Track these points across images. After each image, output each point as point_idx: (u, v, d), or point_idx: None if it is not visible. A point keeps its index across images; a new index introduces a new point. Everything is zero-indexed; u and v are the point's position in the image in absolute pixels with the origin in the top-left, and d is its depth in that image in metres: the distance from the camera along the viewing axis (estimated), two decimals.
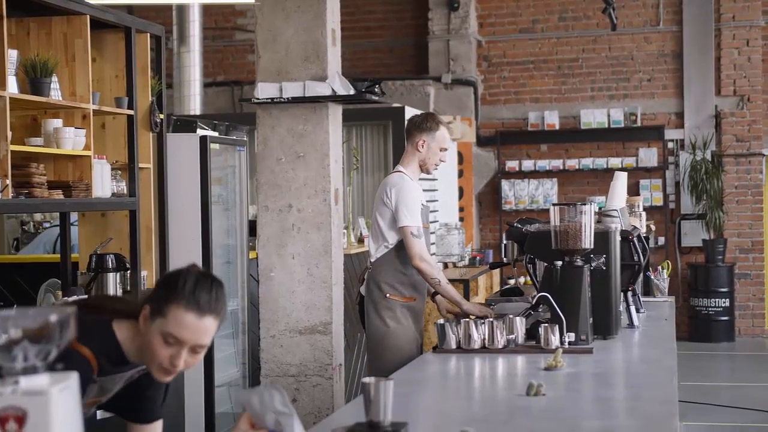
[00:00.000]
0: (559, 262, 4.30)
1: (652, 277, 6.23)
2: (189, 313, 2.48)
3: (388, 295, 5.06)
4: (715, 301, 11.84)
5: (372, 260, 5.15)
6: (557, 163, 12.43)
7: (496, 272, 10.67)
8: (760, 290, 12.23)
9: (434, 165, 5.18)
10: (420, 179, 5.12)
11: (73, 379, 1.82)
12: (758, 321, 12.23)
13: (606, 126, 12.33)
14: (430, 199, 9.94)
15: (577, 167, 12.38)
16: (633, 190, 11.91)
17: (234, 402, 6.60)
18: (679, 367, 8.49)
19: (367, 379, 2.67)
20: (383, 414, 2.67)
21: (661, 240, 12.19)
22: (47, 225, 8.10)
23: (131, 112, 5.58)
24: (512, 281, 10.34)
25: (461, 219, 11.77)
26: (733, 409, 8.34)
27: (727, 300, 11.86)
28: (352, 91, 5.35)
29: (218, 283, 2.58)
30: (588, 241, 4.29)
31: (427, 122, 5.17)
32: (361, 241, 8.50)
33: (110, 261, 5.42)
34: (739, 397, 8.90)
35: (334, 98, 5.33)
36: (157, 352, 2.50)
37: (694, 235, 12.18)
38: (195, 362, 2.59)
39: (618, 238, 4.58)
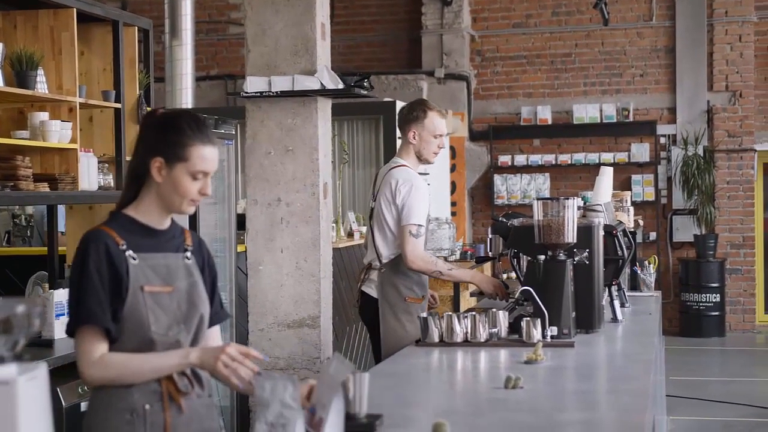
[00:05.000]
0: (542, 257, 4.31)
1: (639, 272, 6.25)
2: (206, 147, 2.80)
3: (407, 298, 4.97)
4: (706, 297, 11.86)
5: (383, 261, 4.99)
6: (550, 158, 12.44)
7: (489, 266, 10.69)
8: (751, 285, 12.26)
9: (432, 154, 5.05)
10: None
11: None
12: (749, 316, 12.26)
13: (598, 121, 12.35)
14: None
15: (569, 162, 12.40)
16: (625, 185, 11.94)
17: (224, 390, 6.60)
18: (669, 362, 8.60)
19: None
20: (359, 406, 2.70)
21: (653, 235, 12.21)
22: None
23: (119, 105, 5.59)
24: (505, 276, 10.33)
25: (454, 213, 11.79)
26: (722, 404, 8.37)
27: (718, 295, 11.89)
28: (340, 86, 5.32)
29: (200, 116, 2.92)
30: (571, 236, 4.30)
31: (413, 112, 5.05)
32: (350, 235, 8.52)
33: None
34: (728, 391, 8.92)
35: (323, 92, 5.32)
36: (188, 189, 2.80)
37: (685, 230, 12.20)
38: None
39: (601, 232, 4.58)
